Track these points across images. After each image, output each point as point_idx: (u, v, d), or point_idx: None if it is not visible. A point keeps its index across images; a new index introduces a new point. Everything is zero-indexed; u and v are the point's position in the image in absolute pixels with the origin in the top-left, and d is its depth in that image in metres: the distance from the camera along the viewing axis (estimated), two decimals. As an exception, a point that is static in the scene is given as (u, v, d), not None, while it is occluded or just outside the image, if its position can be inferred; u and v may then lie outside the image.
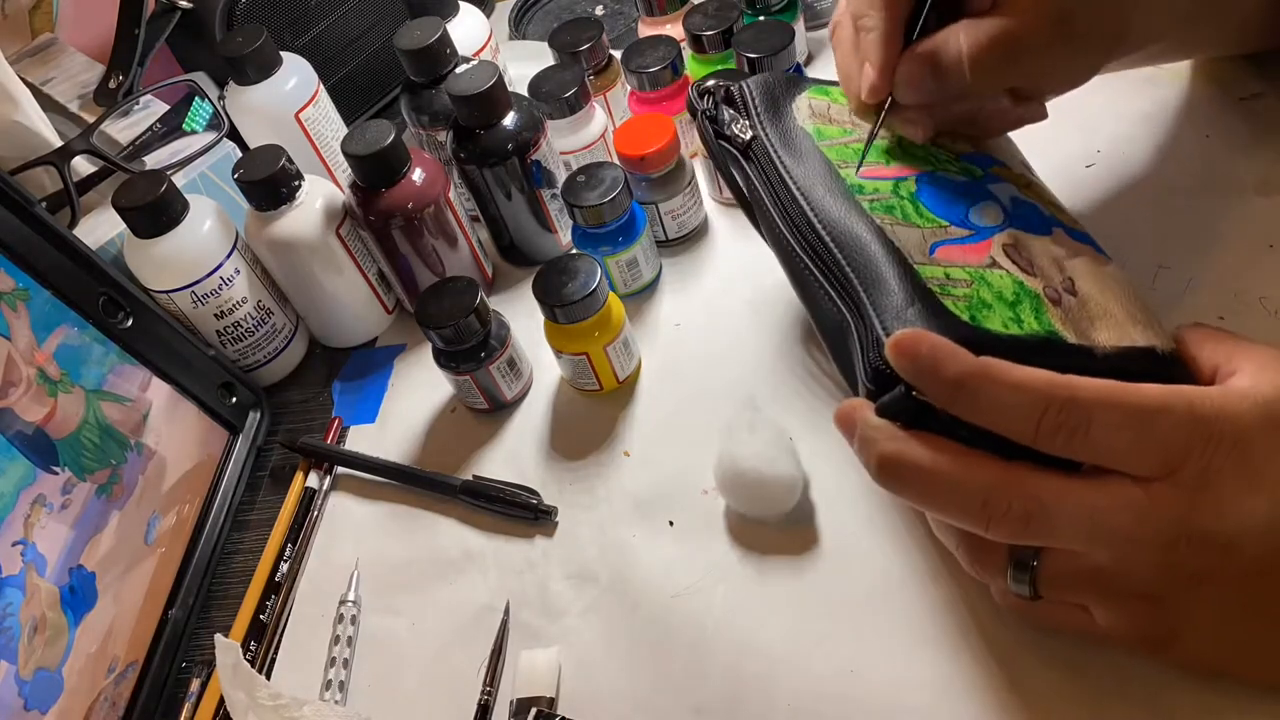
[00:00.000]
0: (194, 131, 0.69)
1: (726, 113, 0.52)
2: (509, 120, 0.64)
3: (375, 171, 0.62)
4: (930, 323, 0.41)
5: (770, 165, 0.50)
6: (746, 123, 0.51)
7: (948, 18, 0.46)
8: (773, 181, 0.49)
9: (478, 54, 0.73)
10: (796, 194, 0.48)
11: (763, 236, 0.53)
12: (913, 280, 0.43)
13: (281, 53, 0.70)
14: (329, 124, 0.72)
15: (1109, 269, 0.46)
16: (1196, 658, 0.41)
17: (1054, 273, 0.44)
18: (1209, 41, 0.60)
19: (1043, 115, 0.49)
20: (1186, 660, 0.41)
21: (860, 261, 0.45)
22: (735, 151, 0.52)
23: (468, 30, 0.74)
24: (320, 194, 0.65)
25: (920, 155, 0.49)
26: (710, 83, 0.54)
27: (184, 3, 0.73)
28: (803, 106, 0.52)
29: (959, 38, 0.44)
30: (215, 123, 0.69)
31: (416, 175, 0.63)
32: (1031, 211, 0.47)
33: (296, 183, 0.63)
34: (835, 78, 0.53)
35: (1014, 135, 0.54)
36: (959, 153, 0.50)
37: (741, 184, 0.52)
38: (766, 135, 0.50)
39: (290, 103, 0.69)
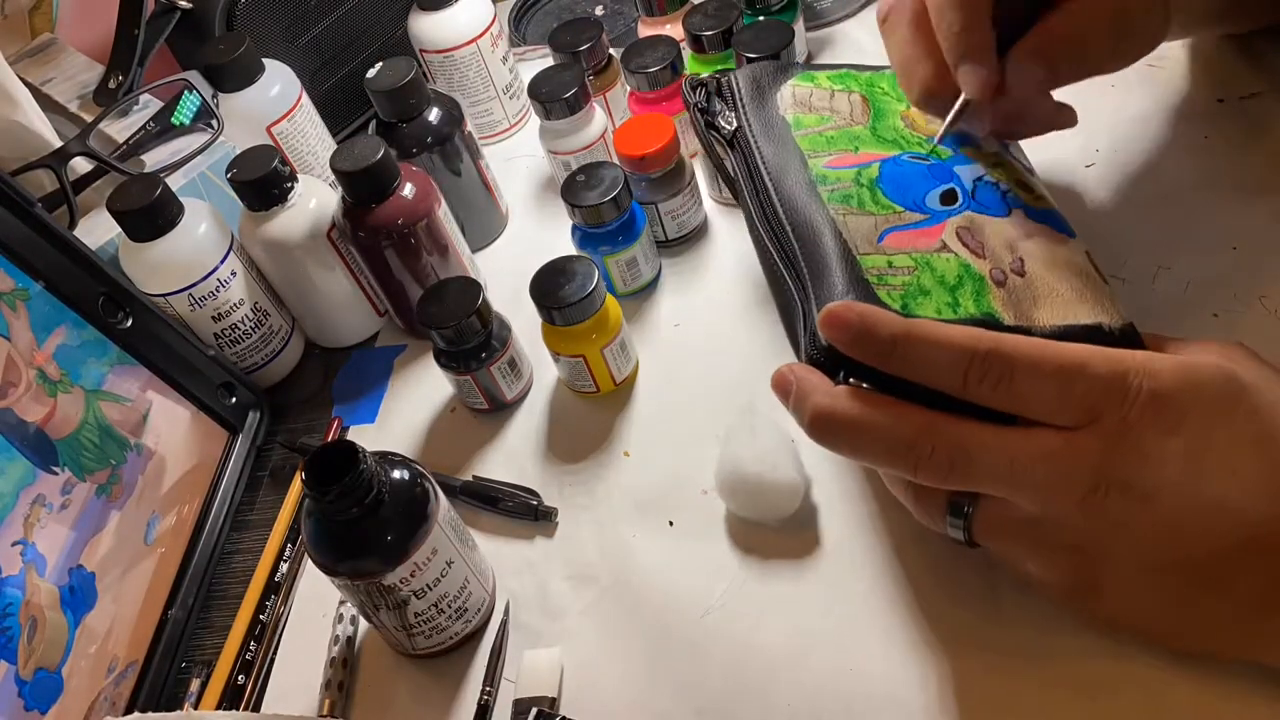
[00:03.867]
0: (181, 125, 0.69)
1: (717, 104, 0.55)
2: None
3: (365, 187, 0.62)
4: None
5: (750, 154, 0.52)
6: (732, 114, 0.54)
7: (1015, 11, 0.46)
8: (751, 169, 0.52)
9: (478, 39, 0.74)
10: (768, 182, 0.51)
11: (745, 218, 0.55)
12: (852, 271, 0.45)
13: (267, 60, 0.70)
14: (305, 138, 0.72)
15: (1065, 249, 0.47)
16: (1118, 613, 0.42)
17: (1004, 254, 0.46)
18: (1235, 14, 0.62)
19: (1074, 121, 0.50)
20: (1108, 615, 0.43)
21: (812, 250, 0.47)
22: (723, 140, 0.54)
23: (471, 14, 0.74)
24: (313, 194, 0.65)
25: (890, 139, 0.51)
26: (703, 75, 0.57)
27: (184, 3, 0.73)
28: (786, 95, 0.54)
29: (1070, 21, 0.45)
30: (204, 114, 0.69)
31: (407, 190, 0.63)
32: (992, 193, 0.49)
33: (289, 184, 0.63)
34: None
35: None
36: (932, 134, 0.51)
37: (727, 170, 0.55)
38: (749, 125, 0.53)
39: (266, 115, 0.69)
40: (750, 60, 0.66)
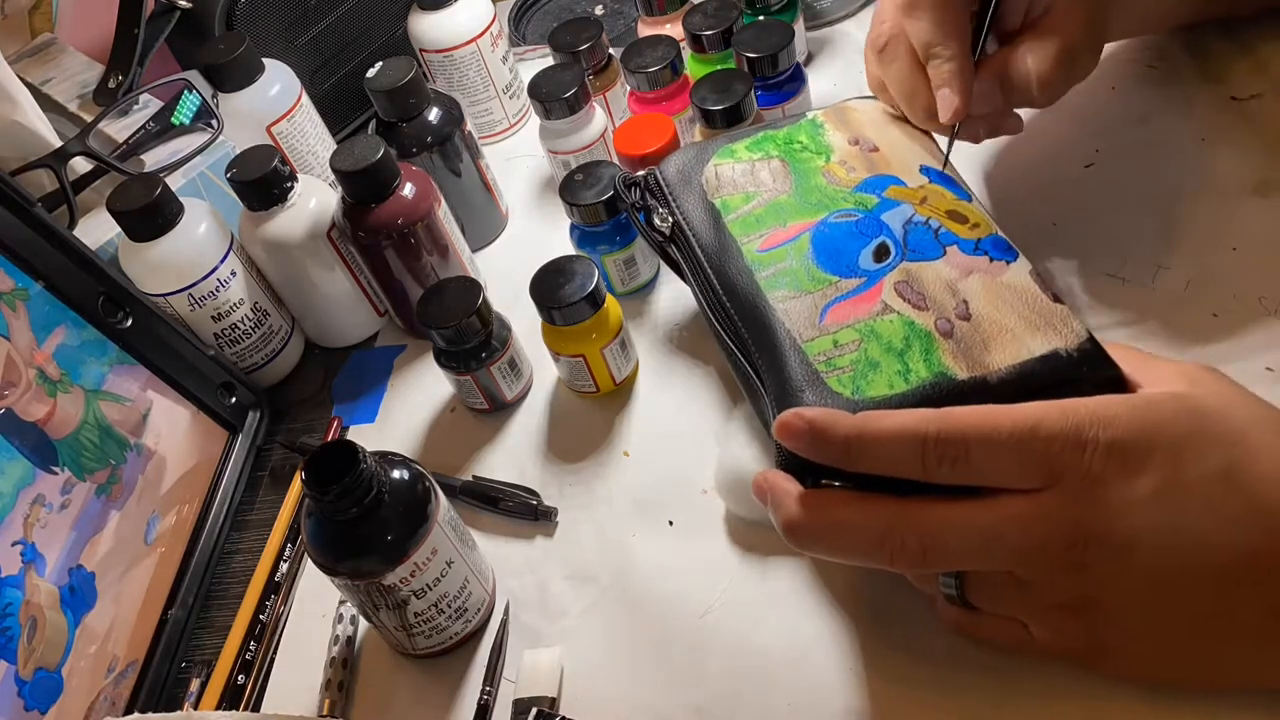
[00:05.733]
0: (181, 125, 0.69)
1: (651, 200, 0.56)
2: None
3: (365, 187, 0.62)
4: (818, 403, 0.44)
5: (690, 250, 0.54)
6: (665, 211, 0.55)
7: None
8: (696, 265, 0.53)
9: (478, 38, 0.74)
10: (711, 277, 0.52)
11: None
12: (801, 362, 0.46)
13: (267, 60, 0.70)
14: (305, 138, 0.72)
15: (1007, 277, 0.47)
16: (1133, 668, 0.42)
17: (947, 300, 0.46)
18: (1176, 14, 0.65)
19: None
20: (1124, 672, 0.42)
21: (763, 342, 0.48)
22: (664, 238, 0.56)
23: (471, 14, 0.74)
24: (313, 194, 0.65)
25: (815, 201, 0.51)
26: (639, 173, 0.58)
27: (183, 3, 0.73)
28: (710, 177, 0.55)
29: (1026, 60, 0.51)
30: (204, 113, 0.69)
31: (407, 190, 0.63)
32: (924, 234, 0.48)
33: (289, 183, 0.63)
34: (831, 79, 0.55)
35: (1019, 139, 0.56)
36: (855, 183, 0.51)
37: (675, 265, 0.56)
38: (683, 218, 0.54)
39: (266, 115, 0.70)
40: (750, 60, 0.66)
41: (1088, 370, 0.43)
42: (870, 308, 0.46)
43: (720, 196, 0.53)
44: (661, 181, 0.56)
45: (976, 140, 0.56)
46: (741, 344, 0.50)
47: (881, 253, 0.48)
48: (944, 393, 0.43)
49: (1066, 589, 0.39)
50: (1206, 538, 0.38)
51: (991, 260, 0.47)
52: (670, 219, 0.55)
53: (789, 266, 0.49)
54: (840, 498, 0.41)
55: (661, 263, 0.68)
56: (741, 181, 0.53)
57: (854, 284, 0.47)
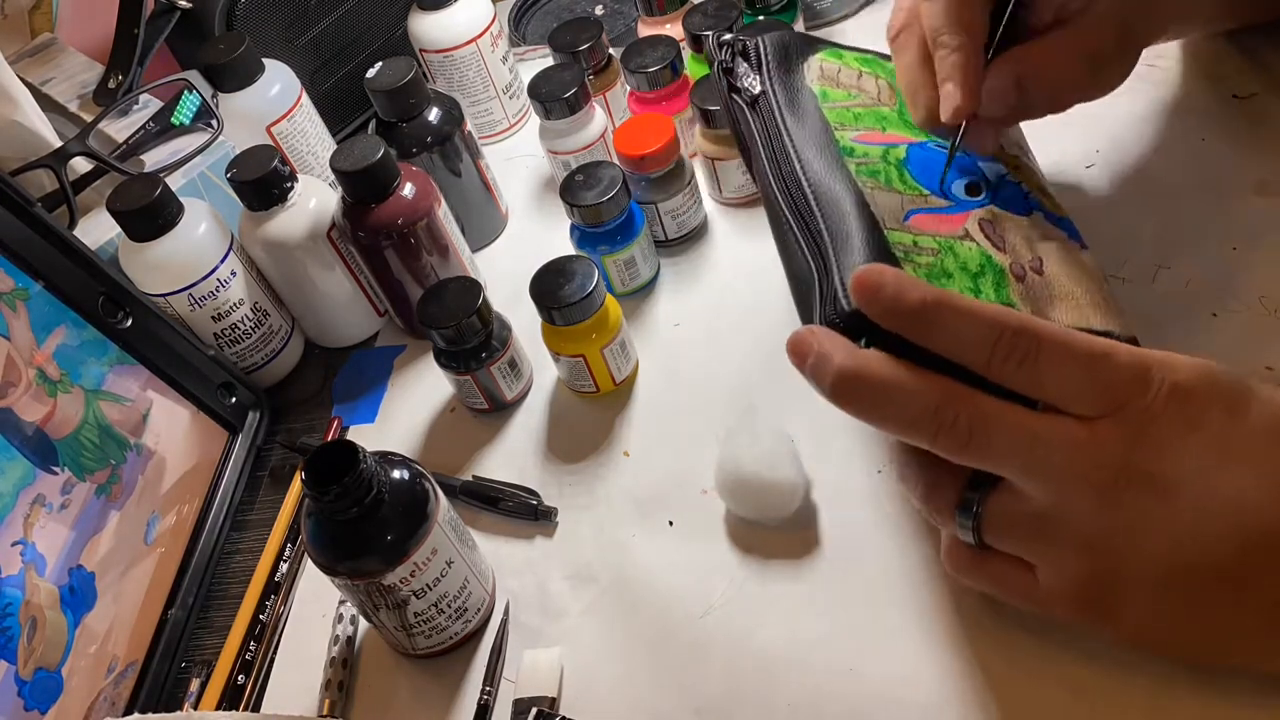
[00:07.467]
0: (181, 125, 0.69)
1: (741, 65, 0.54)
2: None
3: (365, 187, 0.62)
4: None
5: (772, 120, 0.51)
6: (757, 78, 0.53)
7: (1010, 33, 0.48)
8: (771, 136, 0.51)
9: (478, 38, 0.74)
10: (791, 151, 0.50)
11: (755, 183, 0.55)
12: (879, 243, 0.44)
13: (267, 60, 0.70)
14: (305, 138, 0.72)
15: (1081, 256, 0.47)
16: (1135, 628, 0.41)
17: (1024, 251, 0.46)
18: (1210, 20, 0.64)
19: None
20: (1129, 632, 0.41)
21: (835, 220, 0.46)
22: (744, 104, 0.53)
23: (471, 14, 0.74)
24: (313, 194, 0.65)
25: (916, 127, 0.51)
26: (728, 35, 0.56)
27: (183, 3, 0.73)
28: (814, 67, 0.54)
29: (1047, 57, 0.47)
30: (204, 113, 0.69)
31: (407, 190, 0.63)
32: (1014, 192, 0.49)
33: (289, 184, 0.63)
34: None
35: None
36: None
37: (744, 134, 0.53)
38: (774, 91, 0.52)
39: (266, 115, 0.70)
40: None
41: None
42: (953, 229, 0.46)
43: (820, 85, 0.52)
44: (764, 50, 0.54)
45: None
46: (807, 222, 0.47)
47: (973, 189, 0.48)
48: None
49: (1093, 526, 0.39)
50: (1243, 498, 0.38)
51: (1069, 238, 0.48)
52: (760, 86, 0.53)
53: (880, 166, 0.48)
54: (897, 361, 0.40)
55: (662, 263, 0.68)
56: (846, 81, 0.53)
57: (941, 203, 0.47)
